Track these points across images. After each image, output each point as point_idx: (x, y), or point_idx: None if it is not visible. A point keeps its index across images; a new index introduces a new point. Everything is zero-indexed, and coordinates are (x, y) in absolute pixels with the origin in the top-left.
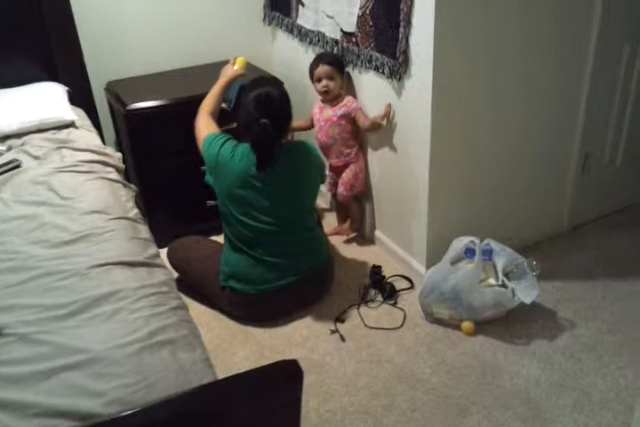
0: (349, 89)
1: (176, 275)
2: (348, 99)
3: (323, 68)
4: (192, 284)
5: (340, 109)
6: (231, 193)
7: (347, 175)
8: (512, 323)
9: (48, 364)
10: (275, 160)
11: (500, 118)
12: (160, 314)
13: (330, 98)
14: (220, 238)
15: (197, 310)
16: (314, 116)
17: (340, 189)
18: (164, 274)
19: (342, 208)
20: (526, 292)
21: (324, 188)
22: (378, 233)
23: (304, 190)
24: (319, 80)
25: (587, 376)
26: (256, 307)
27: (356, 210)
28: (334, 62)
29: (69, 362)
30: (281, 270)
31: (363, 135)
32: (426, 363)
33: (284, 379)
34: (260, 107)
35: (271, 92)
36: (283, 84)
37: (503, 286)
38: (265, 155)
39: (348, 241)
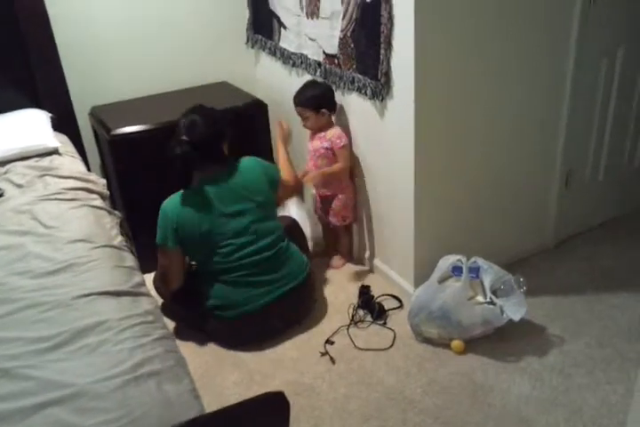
0: (340, 114)
1: (161, 301)
2: (333, 132)
3: (296, 108)
4: (177, 310)
5: (326, 142)
6: (199, 233)
7: (337, 206)
8: (501, 340)
9: (33, 399)
10: (226, 176)
11: (482, 137)
12: (145, 345)
13: (314, 130)
14: None
15: (184, 336)
16: (308, 143)
17: (333, 220)
18: (150, 303)
19: (331, 237)
20: (514, 309)
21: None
22: (366, 253)
23: (260, 198)
24: (300, 115)
25: (577, 392)
26: (242, 331)
27: (347, 242)
28: (304, 102)
29: (54, 397)
30: (260, 288)
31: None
32: (417, 383)
33: (270, 411)
34: (183, 129)
35: (196, 118)
36: (211, 108)
37: (491, 303)
38: (183, 170)
39: None
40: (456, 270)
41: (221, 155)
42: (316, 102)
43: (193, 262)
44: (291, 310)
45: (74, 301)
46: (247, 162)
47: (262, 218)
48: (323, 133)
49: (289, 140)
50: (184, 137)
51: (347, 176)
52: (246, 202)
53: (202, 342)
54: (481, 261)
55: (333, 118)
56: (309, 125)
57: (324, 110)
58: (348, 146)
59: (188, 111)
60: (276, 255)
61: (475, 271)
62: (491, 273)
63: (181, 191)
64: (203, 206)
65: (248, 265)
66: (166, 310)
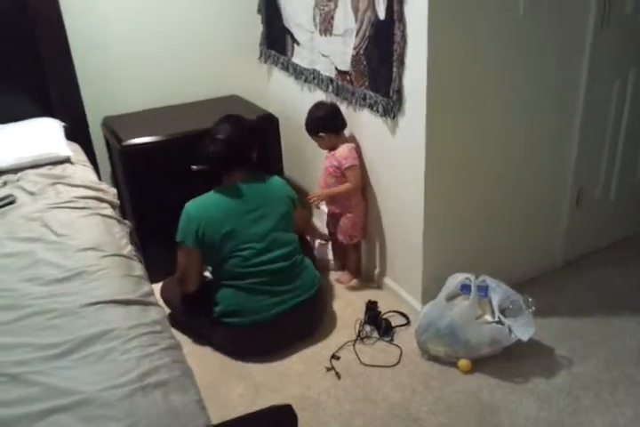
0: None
1: (169, 311)
2: (341, 152)
3: (307, 133)
4: (184, 320)
5: (335, 161)
6: (222, 233)
7: (345, 225)
8: (509, 360)
9: (40, 405)
10: (254, 181)
11: (494, 156)
12: (152, 355)
13: (327, 149)
14: None
15: (191, 347)
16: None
17: (340, 238)
18: (158, 313)
19: (339, 252)
20: (523, 329)
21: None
22: (374, 269)
23: (283, 208)
24: None
25: (585, 414)
26: (251, 340)
27: (355, 259)
28: (306, 127)
29: (61, 404)
30: (273, 297)
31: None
32: (422, 401)
33: (278, 423)
34: (218, 130)
35: (230, 126)
36: (243, 118)
37: (499, 322)
38: (215, 169)
39: None
40: (464, 289)
41: (251, 161)
42: (314, 126)
43: (207, 271)
44: (302, 322)
45: (82, 309)
46: (274, 178)
47: (282, 228)
48: (333, 152)
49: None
50: (219, 136)
51: (357, 195)
52: (270, 209)
53: (208, 353)
54: (489, 280)
55: (343, 137)
56: (320, 146)
57: (321, 134)
58: (358, 166)
59: (220, 119)
60: (292, 266)
61: (483, 290)
62: (499, 292)
63: (210, 192)
64: (228, 206)
65: (264, 273)
66: (174, 320)
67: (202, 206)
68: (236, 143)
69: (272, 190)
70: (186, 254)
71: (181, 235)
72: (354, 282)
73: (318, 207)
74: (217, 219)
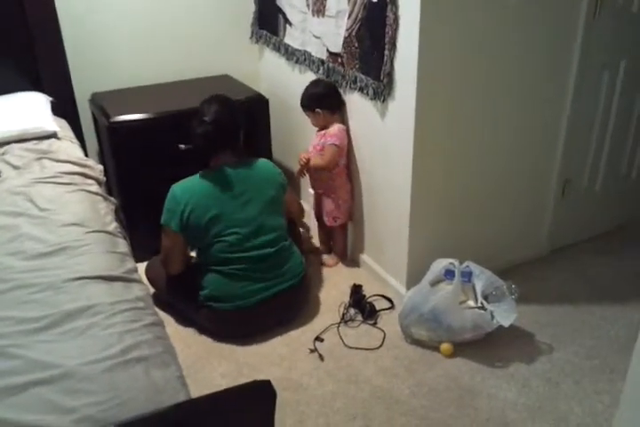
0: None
1: (153, 290)
2: (331, 131)
3: (301, 107)
4: (169, 300)
5: (322, 139)
6: (207, 217)
7: (329, 206)
8: (491, 345)
9: (19, 378)
10: (243, 164)
11: (482, 143)
12: (135, 330)
13: (318, 127)
14: None
15: (174, 327)
16: None
17: (325, 219)
18: (141, 290)
19: (325, 235)
20: (505, 315)
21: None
22: (359, 253)
23: (271, 193)
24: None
25: (564, 401)
26: (234, 323)
27: (340, 240)
28: (302, 102)
29: (41, 377)
30: (257, 283)
31: (350, 167)
32: (404, 384)
33: (257, 399)
34: (206, 110)
35: (218, 106)
36: (230, 99)
37: (482, 308)
38: (203, 152)
39: None
40: (448, 274)
41: (239, 144)
42: (312, 102)
43: (193, 254)
44: (283, 309)
45: (65, 283)
46: (263, 160)
47: (269, 213)
48: (324, 131)
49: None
50: (206, 118)
51: (340, 176)
52: (258, 193)
53: (191, 333)
54: (473, 266)
55: (337, 117)
56: (313, 123)
57: (317, 110)
58: (340, 148)
59: (207, 99)
60: (277, 253)
61: (467, 276)
62: (483, 278)
63: (195, 175)
64: (214, 190)
65: (249, 259)
66: (158, 300)
67: (188, 189)
68: (223, 124)
69: (260, 174)
70: (169, 238)
71: (166, 217)
72: (339, 265)
73: (303, 175)
74: (202, 203)
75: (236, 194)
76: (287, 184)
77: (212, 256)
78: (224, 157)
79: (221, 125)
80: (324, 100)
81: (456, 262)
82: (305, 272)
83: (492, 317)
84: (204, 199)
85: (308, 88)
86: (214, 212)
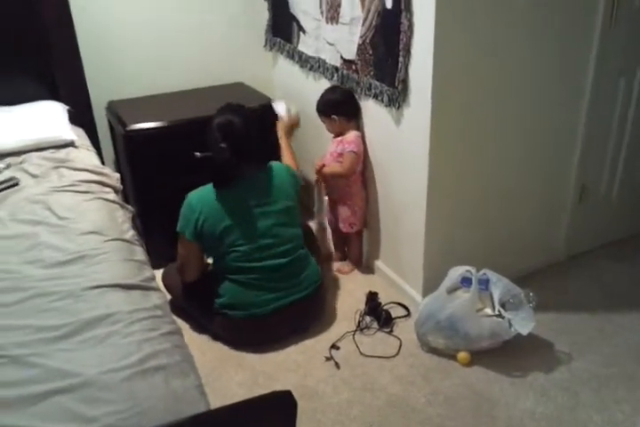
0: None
1: (169, 297)
2: (348, 138)
3: (317, 113)
4: (185, 307)
5: (340, 146)
6: (221, 227)
7: (345, 213)
8: (508, 354)
9: (40, 387)
10: (259, 174)
11: (498, 149)
12: (153, 339)
13: (335, 134)
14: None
15: (190, 335)
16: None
17: (341, 226)
18: (159, 298)
19: (341, 242)
20: (523, 323)
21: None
22: (375, 260)
23: (287, 203)
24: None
25: (583, 410)
26: (248, 331)
27: (356, 247)
28: (319, 108)
29: (61, 386)
30: (272, 293)
31: (365, 173)
32: (420, 392)
33: (278, 409)
34: (220, 132)
35: (232, 119)
36: (244, 107)
37: (500, 316)
38: (220, 177)
39: None
40: (465, 282)
41: (256, 155)
42: (328, 108)
43: (210, 261)
44: (299, 318)
45: (84, 292)
46: (277, 165)
47: (285, 223)
48: (340, 138)
49: (292, 131)
50: (222, 144)
51: (356, 183)
52: (273, 203)
53: (208, 341)
54: (490, 274)
55: (353, 124)
56: (328, 129)
57: (333, 116)
58: (358, 155)
59: (220, 110)
60: (293, 262)
61: (484, 283)
62: (500, 286)
63: (210, 185)
64: (230, 201)
65: (264, 268)
66: (174, 306)
67: (203, 198)
68: (242, 144)
69: (276, 184)
70: (185, 245)
71: (181, 225)
72: (355, 272)
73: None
74: (217, 212)
75: (251, 205)
76: (300, 183)
77: (227, 265)
78: (241, 168)
79: (239, 146)
80: (340, 107)
81: (473, 270)
82: (321, 282)
83: (510, 325)
84: (218, 209)
85: (324, 94)
86: (229, 222)
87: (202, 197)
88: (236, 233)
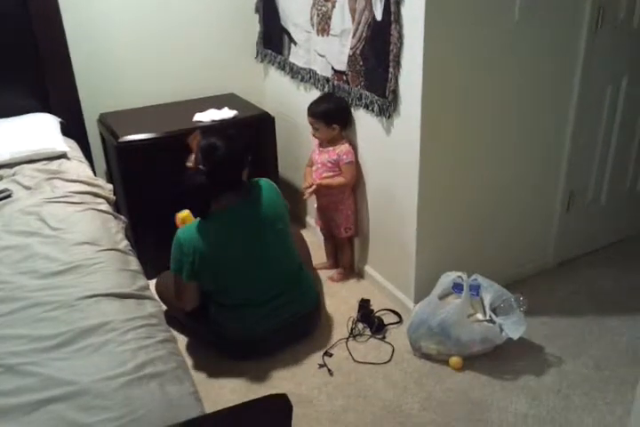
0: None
1: (164, 307)
2: (342, 148)
3: (309, 118)
4: (179, 317)
5: (335, 156)
6: (217, 263)
7: (339, 218)
8: (500, 358)
9: (35, 396)
10: (245, 204)
11: (487, 158)
12: (148, 347)
13: (323, 142)
14: None
15: (184, 343)
16: (313, 155)
17: (336, 232)
18: (153, 306)
19: (333, 249)
20: (513, 327)
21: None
22: (366, 267)
23: (278, 225)
24: (311, 124)
25: (574, 413)
26: (245, 348)
27: (348, 255)
28: (317, 114)
29: (56, 394)
30: (270, 318)
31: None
32: (414, 398)
33: (273, 413)
34: (202, 154)
35: (217, 143)
36: (234, 132)
37: (491, 321)
38: (196, 202)
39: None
40: (457, 287)
41: (239, 183)
42: (329, 116)
43: None
44: (293, 336)
45: (78, 301)
46: (265, 184)
47: (278, 246)
48: (331, 148)
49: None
50: (201, 166)
51: (348, 189)
52: (265, 230)
53: (201, 349)
54: (481, 279)
55: (343, 133)
56: (319, 136)
57: (334, 125)
58: (355, 163)
59: (205, 144)
60: (290, 284)
61: (475, 289)
62: (491, 291)
63: (197, 222)
64: (221, 236)
65: (260, 292)
66: (169, 316)
67: (194, 239)
68: (222, 169)
69: (267, 206)
70: (183, 286)
71: (175, 267)
72: (347, 280)
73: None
74: (210, 252)
75: (244, 235)
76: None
77: (222, 296)
78: (226, 198)
79: (218, 171)
80: (340, 116)
81: (464, 276)
82: (318, 299)
83: (501, 330)
84: (211, 247)
85: (322, 100)
86: (222, 260)
87: (190, 237)
88: (231, 272)
